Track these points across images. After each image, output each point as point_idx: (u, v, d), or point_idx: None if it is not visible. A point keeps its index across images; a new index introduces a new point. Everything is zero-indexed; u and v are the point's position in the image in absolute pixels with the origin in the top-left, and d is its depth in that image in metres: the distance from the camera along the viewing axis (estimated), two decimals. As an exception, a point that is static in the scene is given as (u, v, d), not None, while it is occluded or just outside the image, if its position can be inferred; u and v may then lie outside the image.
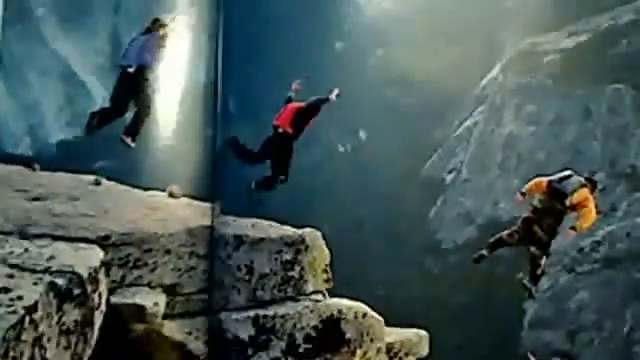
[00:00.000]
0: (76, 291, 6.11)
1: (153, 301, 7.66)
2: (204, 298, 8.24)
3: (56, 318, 5.77)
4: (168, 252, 8.10)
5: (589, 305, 19.13)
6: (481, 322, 18.73)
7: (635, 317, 18.21)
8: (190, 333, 7.97)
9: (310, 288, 8.69)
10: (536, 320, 19.30)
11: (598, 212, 10.89)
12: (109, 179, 9.72)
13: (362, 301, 8.85)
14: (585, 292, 19.26)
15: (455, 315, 18.72)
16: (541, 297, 17.67)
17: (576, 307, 19.25)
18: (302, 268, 8.62)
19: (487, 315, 18.71)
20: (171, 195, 9.57)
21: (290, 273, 8.58)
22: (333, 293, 8.92)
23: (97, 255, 7.05)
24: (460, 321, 18.70)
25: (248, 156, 11.14)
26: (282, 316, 8.19)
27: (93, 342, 6.74)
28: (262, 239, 8.65)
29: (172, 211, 8.80)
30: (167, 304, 7.88)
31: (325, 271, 8.86)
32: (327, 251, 8.93)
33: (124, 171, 9.81)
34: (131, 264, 7.90)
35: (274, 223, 9.21)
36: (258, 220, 9.23)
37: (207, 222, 8.54)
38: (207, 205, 9.10)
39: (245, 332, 8.05)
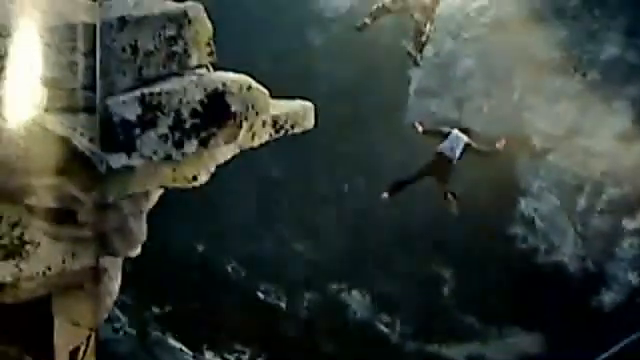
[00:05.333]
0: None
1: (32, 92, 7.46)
2: (89, 95, 7.95)
3: None
4: (48, 46, 7.69)
5: (476, 72, 19.62)
6: (366, 92, 19.07)
7: (524, 83, 18.88)
8: (75, 129, 7.78)
9: (194, 62, 8.55)
10: (422, 88, 19.76)
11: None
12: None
13: (246, 74, 8.83)
14: (471, 59, 19.67)
15: (340, 86, 19.01)
16: (426, 65, 17.92)
17: (463, 74, 19.71)
18: (185, 43, 8.42)
19: (372, 85, 19.03)
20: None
21: (174, 48, 8.38)
22: (217, 67, 8.84)
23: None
24: (345, 91, 19.05)
25: None
26: (168, 92, 8.10)
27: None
28: (145, 16, 8.29)
29: (51, 5, 8.29)
30: (49, 99, 7.64)
31: (208, 45, 8.68)
32: (210, 24, 8.70)
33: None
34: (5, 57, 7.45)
35: (156, -1, 8.89)
36: (140, -2, 8.87)
37: (90, 19, 8.07)
38: (89, 2, 8.60)
39: (132, 113, 7.94)
